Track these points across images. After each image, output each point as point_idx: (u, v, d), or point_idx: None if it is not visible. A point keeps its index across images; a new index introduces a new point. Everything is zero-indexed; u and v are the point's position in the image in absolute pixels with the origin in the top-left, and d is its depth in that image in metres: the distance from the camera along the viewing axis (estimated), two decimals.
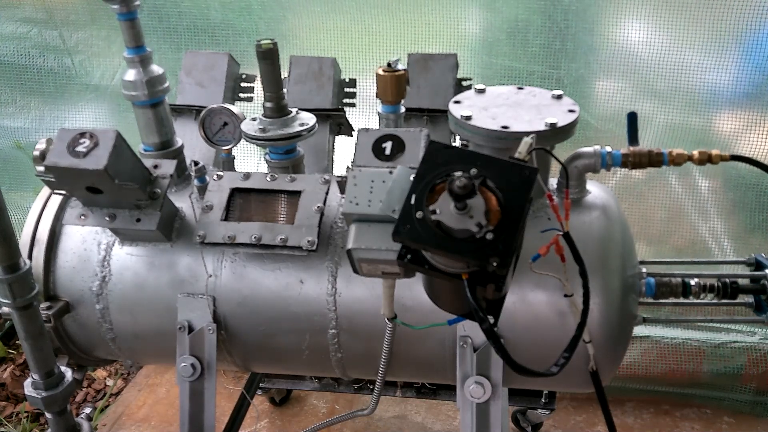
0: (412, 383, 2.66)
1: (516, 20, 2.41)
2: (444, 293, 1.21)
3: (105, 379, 3.03)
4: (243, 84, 2.00)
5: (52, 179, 1.33)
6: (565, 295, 1.41)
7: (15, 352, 3.13)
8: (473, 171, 1.04)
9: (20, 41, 2.83)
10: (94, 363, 1.79)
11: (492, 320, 1.12)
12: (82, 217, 1.43)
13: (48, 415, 1.31)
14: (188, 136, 1.85)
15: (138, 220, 1.42)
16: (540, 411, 2.63)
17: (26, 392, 1.28)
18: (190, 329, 1.55)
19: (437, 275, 1.09)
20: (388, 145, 1.29)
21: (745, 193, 2.48)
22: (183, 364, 1.54)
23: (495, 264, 1.01)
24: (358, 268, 1.22)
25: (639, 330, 2.78)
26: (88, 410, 1.65)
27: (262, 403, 2.85)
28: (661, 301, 1.68)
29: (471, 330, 1.49)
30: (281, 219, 1.45)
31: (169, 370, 3.03)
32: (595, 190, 1.60)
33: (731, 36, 2.22)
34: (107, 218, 1.42)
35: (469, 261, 1.02)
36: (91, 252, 1.59)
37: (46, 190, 1.64)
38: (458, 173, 1.01)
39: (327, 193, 1.48)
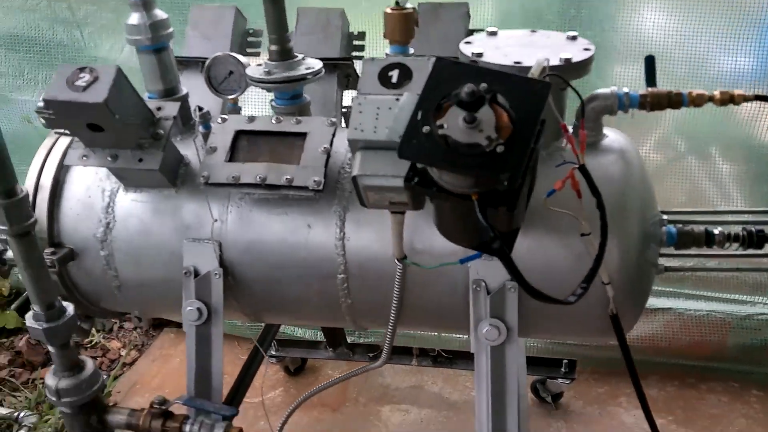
0: (428, 352, 2.62)
1: (529, 9, 2.36)
2: (454, 222, 1.16)
3: (119, 349, 3.03)
4: (250, 39, 1.97)
5: (52, 116, 1.30)
6: (582, 234, 1.35)
7: None
8: (483, 86, 0.99)
9: (30, 13, 2.81)
10: (102, 315, 1.76)
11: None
12: (84, 158, 1.40)
13: (51, 349, 1.29)
14: (194, 90, 1.81)
15: (140, 160, 1.38)
16: (560, 380, 2.58)
17: (28, 324, 1.25)
18: (196, 274, 1.51)
19: (446, 198, 1.05)
20: (394, 74, 1.24)
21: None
22: (189, 308, 1.51)
23: (506, 181, 0.96)
24: (365, 197, 1.18)
25: (661, 302, 2.71)
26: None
27: (277, 373, 2.83)
28: (683, 252, 1.62)
29: (484, 273, 1.43)
30: (287, 160, 1.41)
31: (183, 342, 3.02)
32: (612, 134, 1.54)
33: (751, 19, 2.14)
34: (109, 158, 1.39)
35: (478, 176, 0.98)
36: (95, 199, 1.56)
37: (49, 140, 1.62)
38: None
39: (334, 135, 1.43)
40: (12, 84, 2.90)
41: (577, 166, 1.24)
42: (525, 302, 1.45)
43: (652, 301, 2.67)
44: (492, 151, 0.95)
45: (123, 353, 3.00)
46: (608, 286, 1.38)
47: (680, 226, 1.59)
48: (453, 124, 0.97)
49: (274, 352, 2.71)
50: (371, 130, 1.16)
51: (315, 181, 1.38)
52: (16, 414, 2.63)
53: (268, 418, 2.53)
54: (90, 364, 1.37)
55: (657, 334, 2.69)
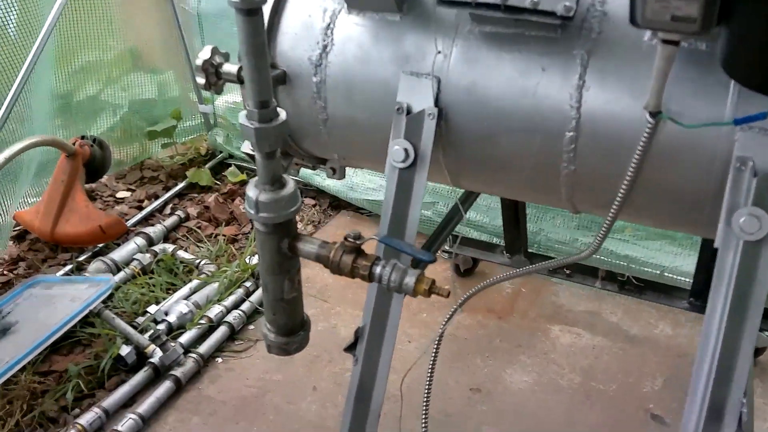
0: (616, 275, 2.37)
1: None
2: (760, 39, 0.92)
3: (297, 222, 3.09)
4: None
5: None
6: None
7: (220, 183, 3.31)
8: None
9: None
10: (300, 156, 1.72)
11: None
12: None
13: (257, 156, 1.23)
14: None
15: None
16: (766, 334, 2.23)
17: (240, 122, 1.20)
18: (408, 111, 1.39)
19: None
20: None
21: None
22: (396, 147, 1.40)
23: None
24: (641, 7, 0.96)
25: None
26: None
27: (446, 271, 2.73)
28: None
29: (755, 149, 1.17)
30: None
31: (358, 226, 3.01)
32: None
33: None
34: None
35: None
36: (316, 19, 1.48)
37: None
38: None
39: None
40: None
41: None
42: None
43: None
44: None
45: (300, 226, 3.06)
46: None
47: None
48: None
49: (447, 248, 2.60)
50: None
51: (565, 6, 1.18)
52: (197, 261, 2.79)
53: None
54: (292, 184, 1.31)
55: None
